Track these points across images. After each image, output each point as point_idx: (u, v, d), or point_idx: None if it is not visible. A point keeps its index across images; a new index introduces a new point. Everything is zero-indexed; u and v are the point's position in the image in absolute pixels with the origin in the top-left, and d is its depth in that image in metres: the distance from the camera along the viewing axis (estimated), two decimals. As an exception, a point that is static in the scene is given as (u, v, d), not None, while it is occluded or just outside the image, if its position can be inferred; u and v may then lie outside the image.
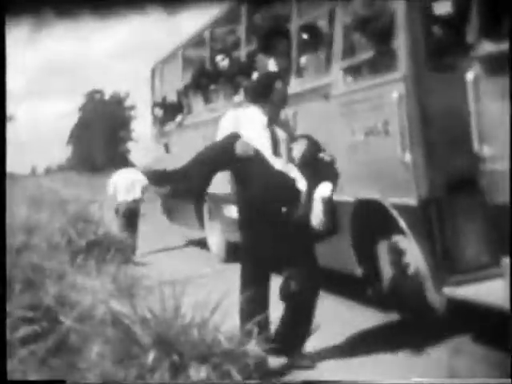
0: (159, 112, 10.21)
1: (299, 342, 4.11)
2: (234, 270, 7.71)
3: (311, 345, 4.24)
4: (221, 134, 4.16)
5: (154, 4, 4.45)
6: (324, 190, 3.92)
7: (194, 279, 6.20)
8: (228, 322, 3.72)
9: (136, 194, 9.44)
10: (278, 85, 4.14)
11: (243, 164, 3.92)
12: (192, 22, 8.81)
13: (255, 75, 6.29)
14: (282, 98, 4.15)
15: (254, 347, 3.53)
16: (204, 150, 4.17)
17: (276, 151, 4.00)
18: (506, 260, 3.34)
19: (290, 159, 4.05)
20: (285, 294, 4.01)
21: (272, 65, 6.43)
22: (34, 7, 4.21)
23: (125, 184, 9.47)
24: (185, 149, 9.09)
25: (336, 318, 5.02)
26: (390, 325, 4.76)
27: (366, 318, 4.97)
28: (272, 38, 6.49)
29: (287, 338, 4.03)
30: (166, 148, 9.98)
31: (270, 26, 6.92)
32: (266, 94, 4.10)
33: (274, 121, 4.08)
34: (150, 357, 3.41)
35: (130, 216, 9.48)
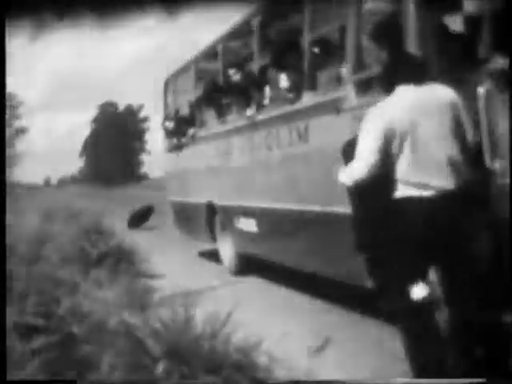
0: (170, 125, 10.27)
1: None
2: (245, 283, 7.76)
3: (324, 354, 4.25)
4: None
5: (155, 6, 4.46)
6: None
7: (206, 291, 6.24)
8: (238, 333, 3.73)
9: None
10: None
11: None
12: (207, 35, 8.88)
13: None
14: None
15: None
16: None
17: None
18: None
19: None
20: None
21: (284, 79, 6.47)
22: (35, 10, 4.22)
23: None
24: (198, 161, 9.16)
25: (346, 331, 5.03)
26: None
27: (376, 330, 4.97)
28: (283, 53, 6.51)
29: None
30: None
31: (281, 41, 6.96)
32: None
33: None
34: (161, 367, 3.43)
35: None
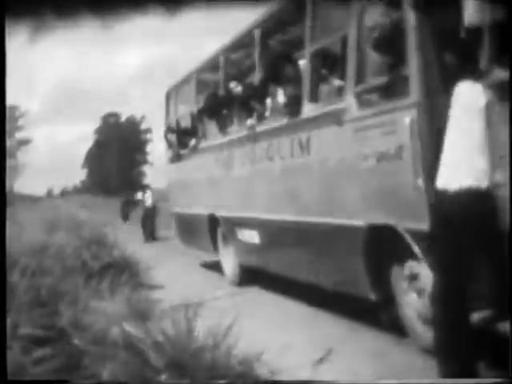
0: (171, 136, 10.29)
1: None
2: (247, 293, 7.75)
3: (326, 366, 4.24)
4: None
5: (155, 5, 4.45)
6: None
7: (207, 302, 6.23)
8: (240, 345, 3.73)
9: (149, 203, 18.02)
10: None
11: None
12: (208, 46, 8.92)
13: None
14: None
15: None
16: None
17: None
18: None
19: None
20: None
21: (280, 94, 6.48)
22: (34, 12, 4.21)
23: (147, 197, 18.21)
24: (199, 173, 9.18)
25: (348, 342, 5.02)
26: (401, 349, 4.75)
27: (378, 343, 4.96)
28: (279, 67, 6.53)
29: None
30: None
31: (276, 55, 6.97)
32: None
33: None
34: (163, 379, 3.42)
35: (147, 216, 17.67)
